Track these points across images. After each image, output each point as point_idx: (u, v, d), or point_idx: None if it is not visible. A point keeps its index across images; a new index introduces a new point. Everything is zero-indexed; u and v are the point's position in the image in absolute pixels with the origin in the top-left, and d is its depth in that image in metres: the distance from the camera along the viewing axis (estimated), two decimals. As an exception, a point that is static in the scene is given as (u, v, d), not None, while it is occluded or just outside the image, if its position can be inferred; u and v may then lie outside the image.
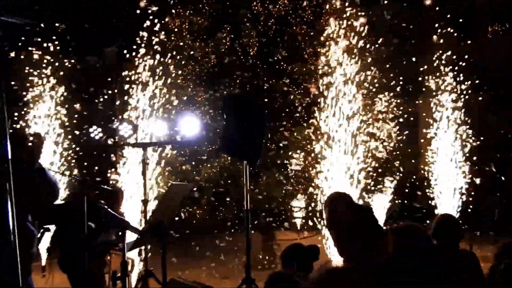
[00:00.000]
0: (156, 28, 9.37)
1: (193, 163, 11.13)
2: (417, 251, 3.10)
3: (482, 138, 10.81)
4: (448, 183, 10.52)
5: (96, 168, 10.18)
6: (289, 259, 3.83)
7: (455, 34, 10.87)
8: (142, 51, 9.12)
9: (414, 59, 11.06)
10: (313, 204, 10.12)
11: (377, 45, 10.16)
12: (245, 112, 5.29)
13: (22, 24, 2.06)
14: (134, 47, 9.17)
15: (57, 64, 10.20)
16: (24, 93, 10.03)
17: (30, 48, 9.91)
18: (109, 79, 10.96)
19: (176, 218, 9.34)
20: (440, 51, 10.56)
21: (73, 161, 10.45)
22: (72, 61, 11.01)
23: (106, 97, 10.77)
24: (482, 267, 3.80)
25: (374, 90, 10.43)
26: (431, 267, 3.00)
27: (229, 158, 10.48)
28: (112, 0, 11.96)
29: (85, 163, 10.56)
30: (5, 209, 2.51)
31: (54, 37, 10.07)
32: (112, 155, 9.42)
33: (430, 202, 10.68)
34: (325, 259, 6.80)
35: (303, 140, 10.88)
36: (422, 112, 11.37)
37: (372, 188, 10.69)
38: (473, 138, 10.64)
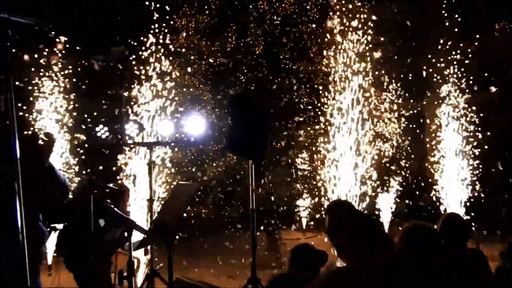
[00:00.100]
0: (163, 28, 9.38)
1: (199, 162, 11.15)
2: (424, 251, 3.09)
3: (489, 137, 10.77)
4: (455, 182, 10.48)
5: (101, 167, 10.21)
6: (296, 258, 3.83)
7: (461, 32, 10.83)
8: (149, 50, 9.13)
9: (418, 57, 11.04)
10: (317, 199, 10.11)
11: (382, 44, 10.14)
12: (251, 111, 5.28)
13: (32, 25, 2.07)
14: (141, 46, 9.19)
15: (62, 63, 10.24)
16: (32, 92, 10.07)
17: (36, 47, 9.95)
18: (116, 78, 10.99)
19: (184, 216, 9.36)
20: (446, 47, 10.52)
21: (77, 160, 10.49)
22: (79, 60, 11.05)
23: (112, 96, 10.81)
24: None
25: (380, 89, 10.42)
26: (438, 266, 2.99)
27: (234, 157, 10.48)
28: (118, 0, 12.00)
29: (91, 162, 10.60)
30: (12, 208, 2.52)
31: (60, 36, 10.11)
32: (118, 155, 9.44)
33: (436, 201, 10.66)
34: (332, 259, 6.78)
35: (309, 139, 10.89)
36: (428, 112, 11.34)
37: (378, 187, 10.66)
38: (480, 137, 10.59)
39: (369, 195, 9.53)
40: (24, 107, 9.79)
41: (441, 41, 10.59)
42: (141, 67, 9.08)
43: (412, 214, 11.84)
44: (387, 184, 11.50)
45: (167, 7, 9.83)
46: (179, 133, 7.91)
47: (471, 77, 10.56)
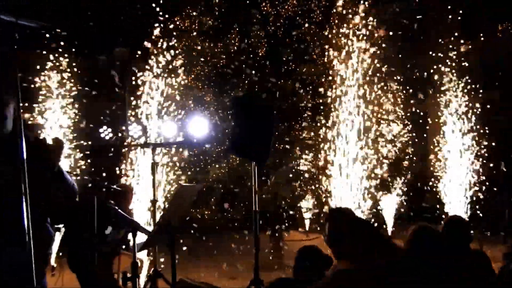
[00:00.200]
0: (165, 29, 9.40)
1: (202, 163, 11.16)
2: (430, 252, 3.10)
3: (492, 137, 10.75)
4: (458, 184, 10.47)
5: (105, 168, 10.23)
6: (301, 259, 3.85)
7: (462, 33, 10.83)
8: (152, 51, 9.16)
9: (419, 57, 11.05)
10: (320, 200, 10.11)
11: (385, 44, 10.14)
12: (254, 112, 5.29)
13: (39, 28, 2.09)
14: (144, 47, 9.21)
15: (66, 64, 10.28)
16: (36, 92, 10.11)
17: (40, 48, 9.98)
18: (119, 79, 11.01)
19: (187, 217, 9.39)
20: (448, 47, 10.52)
21: (80, 161, 10.52)
22: (81, 60, 11.07)
23: (115, 97, 10.83)
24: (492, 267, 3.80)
25: (383, 89, 10.42)
26: (441, 267, 3.00)
27: (237, 158, 10.49)
28: (121, 1, 12.03)
29: (94, 163, 10.63)
30: (13, 208, 2.52)
31: (63, 37, 10.14)
32: (121, 155, 9.47)
33: (439, 202, 10.65)
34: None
35: (312, 140, 10.90)
36: (431, 112, 11.34)
37: (381, 188, 10.66)
38: (483, 137, 10.58)
39: (372, 196, 9.53)
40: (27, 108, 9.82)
41: (442, 41, 10.59)
42: (144, 68, 9.11)
43: (415, 216, 11.83)
44: (390, 186, 11.49)
45: (170, 8, 9.86)
46: (182, 134, 7.94)
47: (473, 78, 10.56)
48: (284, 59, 10.98)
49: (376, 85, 9.78)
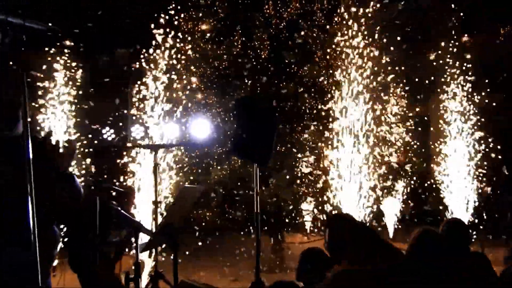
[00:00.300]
0: (169, 30, 9.43)
1: (203, 165, 11.18)
2: (431, 254, 3.12)
3: (494, 141, 10.75)
4: (460, 187, 10.47)
5: (107, 169, 10.25)
6: (305, 261, 3.85)
7: (464, 34, 10.85)
8: (154, 53, 9.19)
9: (421, 58, 11.07)
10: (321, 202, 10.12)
11: (387, 46, 10.17)
12: (256, 114, 5.30)
13: (45, 30, 2.11)
14: (147, 49, 9.24)
15: (68, 65, 10.30)
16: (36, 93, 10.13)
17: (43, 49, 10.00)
18: (121, 81, 11.05)
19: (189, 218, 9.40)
20: (449, 49, 10.53)
21: (83, 161, 10.55)
22: (82, 63, 11.10)
23: (117, 98, 10.86)
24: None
25: (386, 92, 10.44)
26: (441, 268, 3.01)
27: (239, 160, 10.51)
28: (125, 2, 12.06)
29: (97, 164, 10.64)
30: (13, 208, 2.53)
31: (66, 38, 10.16)
32: (124, 156, 9.49)
33: (441, 206, 10.65)
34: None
35: (314, 143, 10.91)
36: (433, 115, 11.34)
37: (383, 191, 10.66)
38: (485, 140, 10.58)
39: (374, 199, 9.54)
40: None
41: (444, 44, 10.61)
42: (147, 70, 9.13)
43: (417, 219, 11.81)
44: (392, 189, 11.49)
45: (173, 11, 9.89)
46: (184, 135, 7.96)
47: (475, 80, 10.57)
48: (287, 61, 11.00)
49: (379, 87, 9.81)
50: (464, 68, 10.54)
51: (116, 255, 5.89)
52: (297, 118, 11.11)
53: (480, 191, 10.49)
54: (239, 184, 10.80)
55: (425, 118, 11.70)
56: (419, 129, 11.47)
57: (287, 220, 11.25)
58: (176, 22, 9.90)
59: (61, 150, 2.85)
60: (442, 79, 10.71)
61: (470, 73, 10.56)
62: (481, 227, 10.37)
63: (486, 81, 10.88)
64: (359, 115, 9.37)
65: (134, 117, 9.15)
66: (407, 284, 2.62)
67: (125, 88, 10.99)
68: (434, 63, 10.85)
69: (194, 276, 8.72)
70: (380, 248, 2.89)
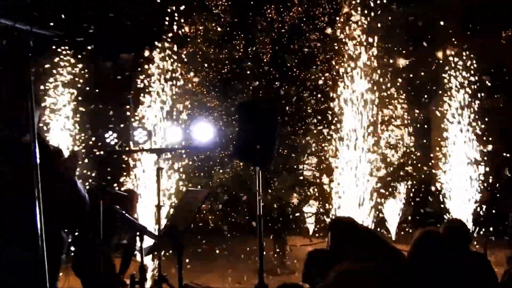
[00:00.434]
0: (172, 35, 9.48)
1: (206, 168, 11.19)
2: (434, 255, 3.13)
3: (496, 142, 10.75)
4: (462, 188, 10.46)
5: (110, 173, 10.28)
6: (310, 262, 3.87)
7: (465, 36, 10.87)
8: (157, 57, 9.23)
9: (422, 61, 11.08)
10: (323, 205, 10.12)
11: (388, 51, 10.19)
12: (258, 117, 5.32)
13: (52, 36, 2.13)
14: (150, 53, 9.28)
15: (72, 69, 10.35)
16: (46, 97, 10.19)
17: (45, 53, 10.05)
18: (125, 85, 11.09)
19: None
20: (452, 52, 10.55)
21: (86, 165, 10.58)
22: (86, 67, 11.14)
23: (121, 102, 10.90)
24: (495, 272, 3.82)
25: (387, 94, 10.45)
26: (442, 269, 3.03)
27: (241, 163, 10.52)
28: (128, 5, 12.11)
29: (100, 168, 10.68)
30: (13, 208, 2.55)
31: (69, 42, 10.21)
32: (126, 161, 9.52)
33: (442, 207, 10.64)
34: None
35: (316, 146, 10.92)
36: (434, 117, 11.35)
37: (385, 193, 10.66)
38: (487, 142, 10.58)
39: (376, 201, 9.54)
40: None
41: (445, 46, 10.63)
42: (150, 74, 9.17)
43: (419, 221, 11.82)
44: (394, 190, 11.49)
45: (176, 14, 9.93)
46: (187, 139, 7.98)
47: (477, 82, 10.58)
48: (289, 65, 11.03)
49: (380, 90, 9.83)
50: (465, 70, 10.56)
51: (125, 260, 5.91)
52: (299, 120, 11.13)
53: (481, 193, 10.48)
54: (241, 187, 10.82)
55: (427, 121, 11.71)
56: (424, 127, 11.47)
57: (290, 223, 11.25)
58: (179, 26, 9.95)
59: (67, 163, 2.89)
60: (443, 82, 10.73)
61: (472, 76, 10.57)
62: (483, 228, 10.35)
63: (488, 84, 10.89)
64: (361, 118, 9.39)
65: (137, 121, 9.19)
66: (409, 284, 2.64)
67: (128, 92, 11.03)
68: (436, 66, 10.87)
69: (197, 279, 8.73)
70: (382, 250, 2.92)
